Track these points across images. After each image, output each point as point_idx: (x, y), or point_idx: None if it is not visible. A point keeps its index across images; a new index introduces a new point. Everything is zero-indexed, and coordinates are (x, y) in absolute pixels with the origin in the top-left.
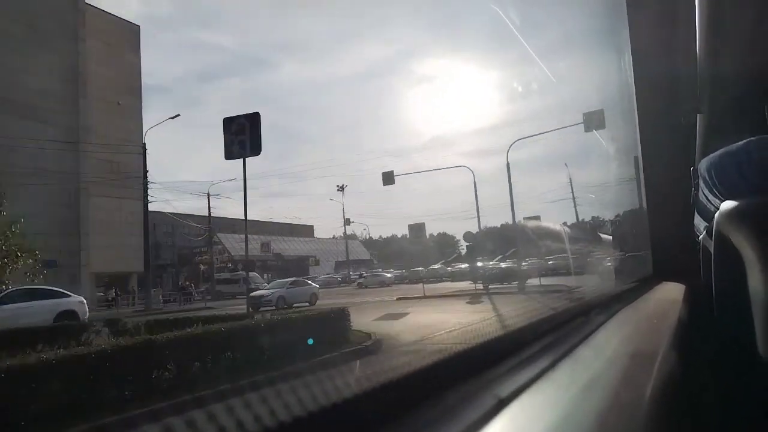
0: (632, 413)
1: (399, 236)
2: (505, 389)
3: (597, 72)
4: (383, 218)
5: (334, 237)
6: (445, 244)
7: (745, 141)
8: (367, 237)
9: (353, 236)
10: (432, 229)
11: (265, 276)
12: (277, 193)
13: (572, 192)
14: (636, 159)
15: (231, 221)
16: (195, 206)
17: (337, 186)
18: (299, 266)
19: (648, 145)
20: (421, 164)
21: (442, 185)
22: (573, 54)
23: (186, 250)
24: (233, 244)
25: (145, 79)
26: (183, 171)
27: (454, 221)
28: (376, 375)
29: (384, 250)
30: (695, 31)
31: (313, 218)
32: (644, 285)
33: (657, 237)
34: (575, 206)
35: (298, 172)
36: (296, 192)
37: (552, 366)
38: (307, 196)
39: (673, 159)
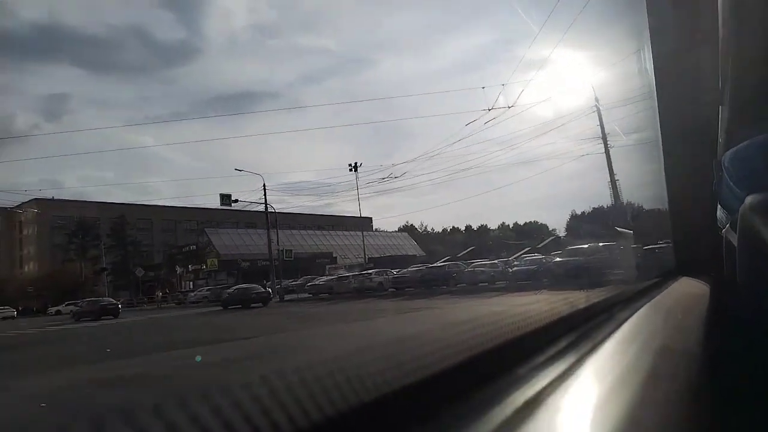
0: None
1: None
2: (536, 385)
3: (616, 64)
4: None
5: (399, 230)
6: (530, 233)
7: None
8: (429, 230)
9: (411, 228)
10: (521, 218)
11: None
12: (382, 190)
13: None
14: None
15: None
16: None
17: (349, 165)
18: (313, 265)
19: (669, 137)
20: (533, 151)
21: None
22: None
23: (176, 249)
24: (224, 240)
25: (257, 86)
26: (297, 171)
27: (551, 209)
28: None
29: (447, 243)
30: (717, 18)
31: (414, 213)
32: (664, 281)
33: (679, 231)
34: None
35: (402, 168)
36: (403, 187)
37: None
38: (412, 192)
39: (695, 151)
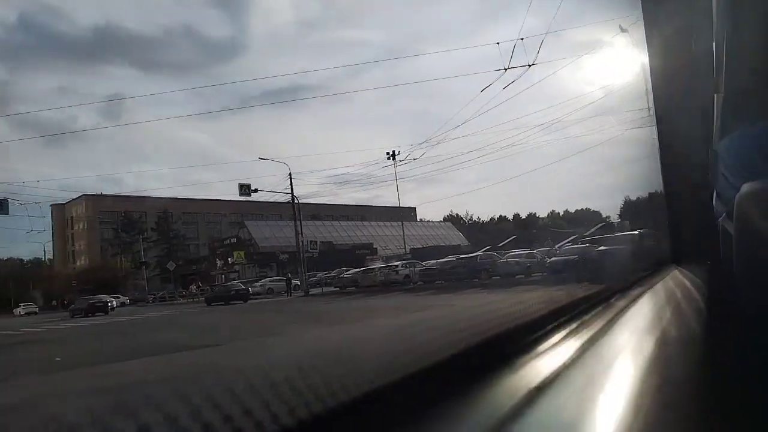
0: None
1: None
2: (537, 376)
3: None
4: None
5: (444, 219)
6: (582, 220)
7: (766, 121)
8: (474, 219)
9: (456, 218)
10: (572, 206)
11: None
12: (427, 179)
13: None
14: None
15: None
16: (355, 197)
17: (387, 153)
18: (353, 256)
19: (665, 126)
20: (578, 136)
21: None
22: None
23: (217, 242)
24: (264, 233)
25: (302, 80)
26: (342, 163)
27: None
28: None
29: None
30: (712, 7)
31: (461, 203)
32: (661, 271)
33: (675, 220)
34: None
35: (447, 158)
36: (449, 178)
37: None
38: (458, 182)
39: (691, 140)
